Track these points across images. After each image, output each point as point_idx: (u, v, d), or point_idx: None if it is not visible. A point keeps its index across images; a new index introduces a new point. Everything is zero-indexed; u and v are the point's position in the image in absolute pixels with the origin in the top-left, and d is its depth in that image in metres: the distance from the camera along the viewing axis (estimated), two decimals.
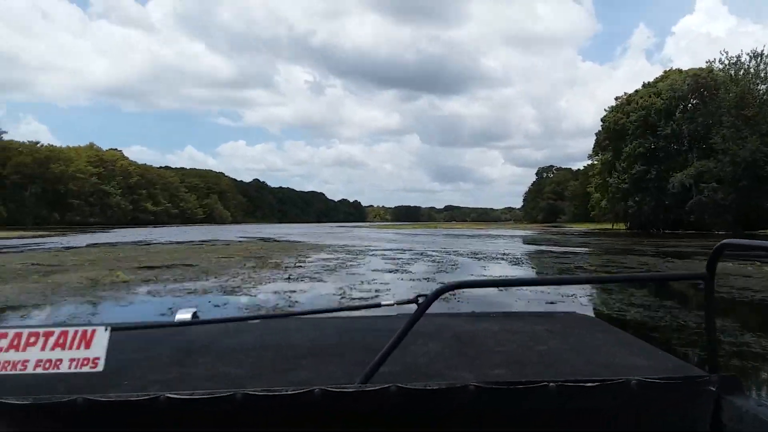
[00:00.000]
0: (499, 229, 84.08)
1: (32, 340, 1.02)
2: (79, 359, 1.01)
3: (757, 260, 16.84)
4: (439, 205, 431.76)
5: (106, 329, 1.03)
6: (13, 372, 1.00)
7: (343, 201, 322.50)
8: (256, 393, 0.99)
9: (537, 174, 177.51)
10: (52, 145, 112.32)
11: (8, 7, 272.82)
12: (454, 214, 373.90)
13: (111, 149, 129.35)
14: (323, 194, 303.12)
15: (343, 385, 1.04)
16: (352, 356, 1.32)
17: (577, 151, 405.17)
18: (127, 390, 1.05)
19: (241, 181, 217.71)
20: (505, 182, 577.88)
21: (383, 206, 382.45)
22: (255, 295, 10.21)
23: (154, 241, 34.32)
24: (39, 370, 1.00)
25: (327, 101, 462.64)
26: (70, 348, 1.02)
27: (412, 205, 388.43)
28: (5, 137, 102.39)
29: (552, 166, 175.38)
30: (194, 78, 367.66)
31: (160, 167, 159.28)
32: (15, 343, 1.01)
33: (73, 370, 1.01)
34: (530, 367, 1.27)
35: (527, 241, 38.62)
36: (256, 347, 1.43)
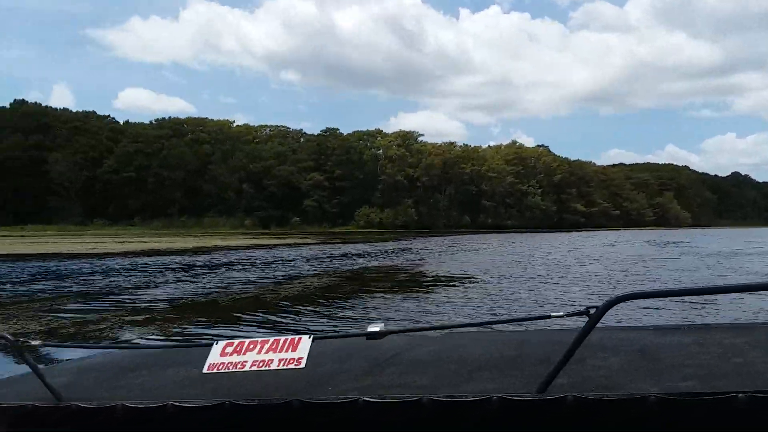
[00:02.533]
0: None
1: (251, 346, 1.29)
2: (286, 359, 1.24)
3: None
4: None
5: (309, 337, 1.28)
6: (233, 370, 1.26)
7: None
8: (440, 399, 1.10)
9: None
10: (466, 145, 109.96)
11: (501, 35, 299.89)
12: None
13: (537, 146, 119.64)
14: None
15: (520, 394, 1.08)
16: (526, 367, 1.36)
17: None
18: (329, 394, 1.21)
19: (715, 175, 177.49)
20: None
21: None
22: None
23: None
24: (254, 368, 1.24)
25: None
26: (280, 351, 1.26)
27: None
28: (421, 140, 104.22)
29: None
30: (673, 71, 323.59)
31: (610, 165, 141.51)
32: (238, 349, 1.29)
33: (281, 367, 1.23)
34: (722, 379, 1.18)
35: None
36: (438, 358, 1.54)
